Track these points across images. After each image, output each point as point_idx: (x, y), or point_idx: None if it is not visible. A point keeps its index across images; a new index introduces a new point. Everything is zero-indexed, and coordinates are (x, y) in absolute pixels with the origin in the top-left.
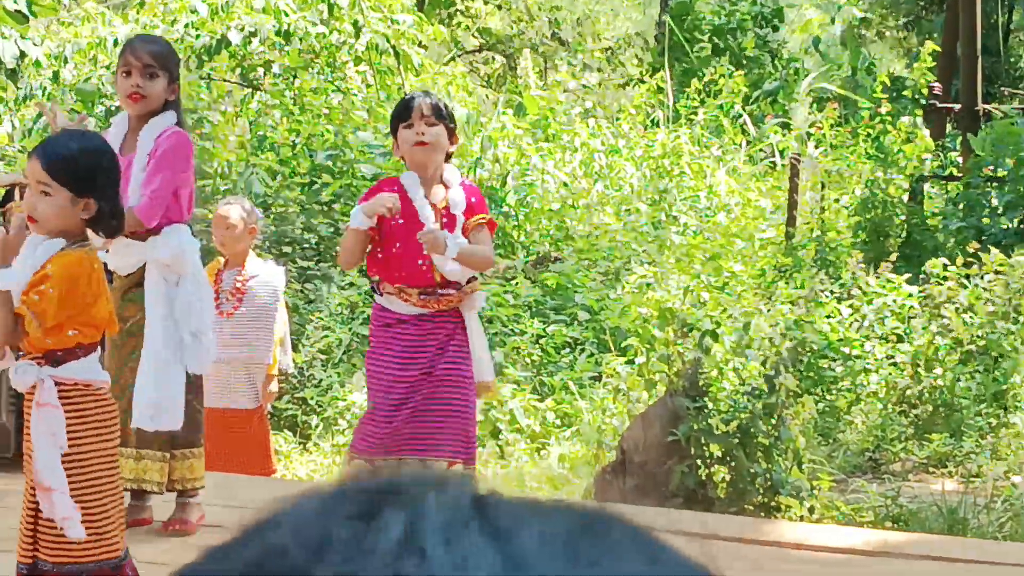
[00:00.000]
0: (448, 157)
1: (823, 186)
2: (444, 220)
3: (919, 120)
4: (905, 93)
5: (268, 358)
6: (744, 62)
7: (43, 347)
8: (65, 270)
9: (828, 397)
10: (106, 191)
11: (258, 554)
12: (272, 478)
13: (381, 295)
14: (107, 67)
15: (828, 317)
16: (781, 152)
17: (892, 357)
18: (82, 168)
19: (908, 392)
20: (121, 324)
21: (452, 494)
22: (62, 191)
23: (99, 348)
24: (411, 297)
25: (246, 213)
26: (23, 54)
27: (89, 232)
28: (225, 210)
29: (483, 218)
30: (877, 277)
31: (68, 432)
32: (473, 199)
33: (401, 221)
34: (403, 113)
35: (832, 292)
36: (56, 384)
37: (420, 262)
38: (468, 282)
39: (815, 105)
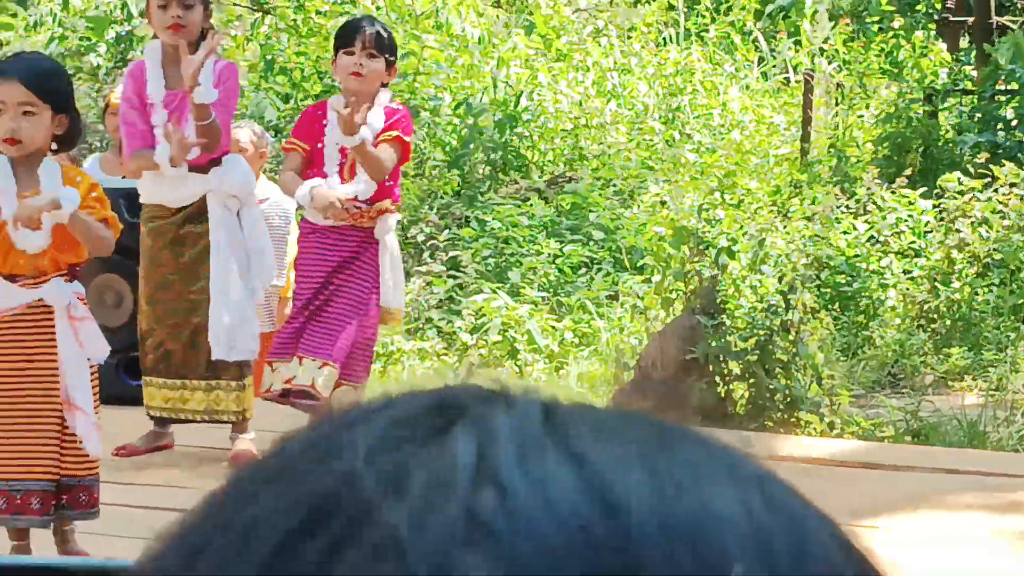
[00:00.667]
0: (384, 86)
1: (837, 102)
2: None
3: (933, 34)
4: (919, 7)
5: (282, 281)
6: None
7: (68, 262)
8: (89, 181)
9: (846, 313)
10: (75, 107)
11: (327, 483)
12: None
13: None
14: None
15: (844, 233)
16: (794, 68)
17: (909, 272)
18: (61, 84)
19: (926, 306)
20: (175, 258)
21: (521, 410)
22: (46, 108)
23: None
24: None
25: (256, 136)
26: None
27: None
28: (234, 134)
29: (391, 135)
30: (893, 192)
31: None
32: (392, 119)
33: (320, 146)
34: (346, 39)
35: (848, 208)
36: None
37: (329, 184)
38: (375, 201)
39: (828, 21)
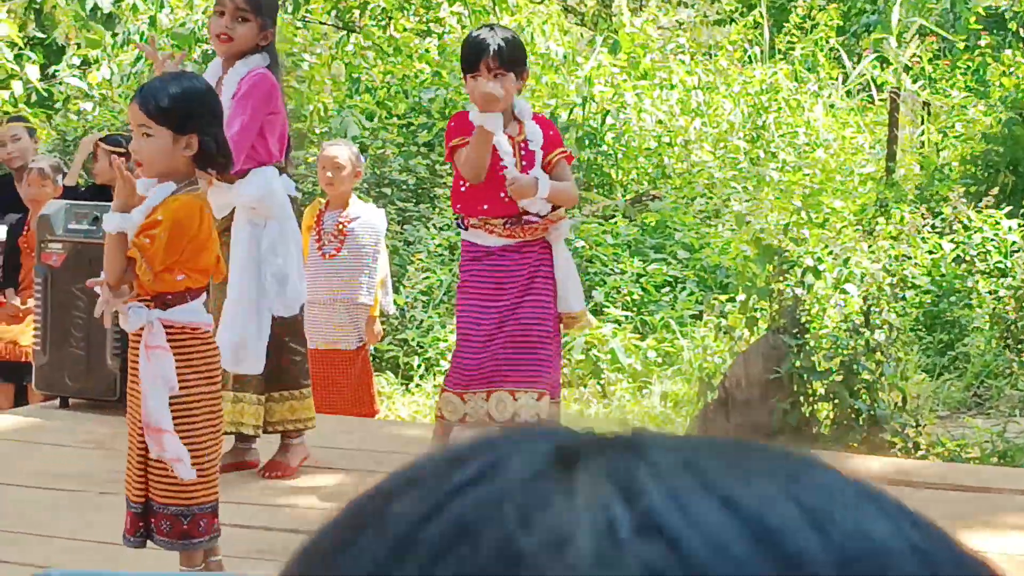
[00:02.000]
0: (519, 91)
1: (923, 121)
2: (523, 154)
3: (1022, 52)
4: (1010, 26)
5: (370, 299)
6: None
7: (153, 290)
8: (174, 214)
9: (931, 333)
10: (207, 127)
11: (469, 508)
12: (375, 419)
13: (466, 229)
14: (204, 11)
15: (930, 253)
16: (879, 87)
17: (995, 292)
18: (180, 105)
19: (1012, 327)
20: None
21: (659, 456)
22: (163, 131)
23: (205, 293)
24: (496, 228)
25: (354, 156)
26: None
27: (199, 172)
28: (333, 151)
29: (563, 151)
30: (979, 212)
31: (176, 374)
32: (551, 132)
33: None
34: (470, 65)
35: (934, 227)
36: (164, 327)
37: (502, 194)
38: (552, 210)
39: (913, 39)
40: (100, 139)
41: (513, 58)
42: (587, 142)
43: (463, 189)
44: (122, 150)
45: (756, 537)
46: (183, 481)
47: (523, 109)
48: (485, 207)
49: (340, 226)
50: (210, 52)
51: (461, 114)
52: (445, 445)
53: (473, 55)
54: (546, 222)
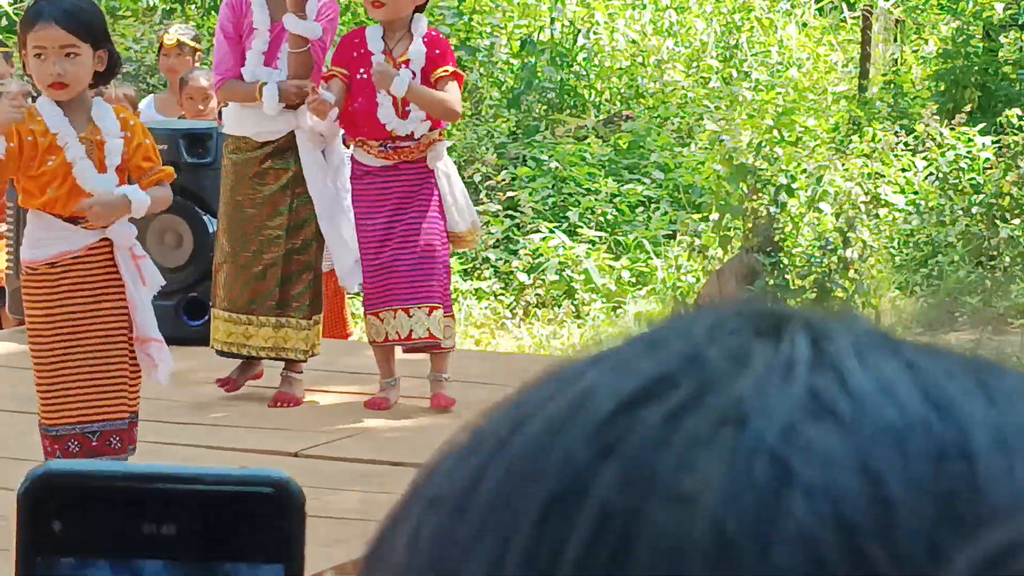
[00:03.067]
0: (420, 8)
1: (895, 38)
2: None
3: None
4: None
5: None
6: None
7: None
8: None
9: (904, 250)
10: (110, 40)
11: (665, 362)
12: (350, 340)
13: (350, 147)
14: None
15: (903, 171)
16: (851, 5)
17: (968, 209)
18: (98, 21)
19: (985, 243)
20: (254, 192)
21: (849, 319)
22: (86, 48)
23: None
24: (372, 149)
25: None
26: None
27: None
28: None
29: (446, 71)
30: (952, 129)
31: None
32: (437, 51)
33: (364, 76)
34: None
35: (907, 145)
36: None
37: (377, 116)
38: (430, 132)
39: None
40: None
41: None
42: (559, 62)
43: (351, 109)
44: None
45: (927, 396)
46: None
47: (418, 27)
48: (363, 129)
49: None
50: None
51: (348, 35)
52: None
53: None
54: (420, 144)
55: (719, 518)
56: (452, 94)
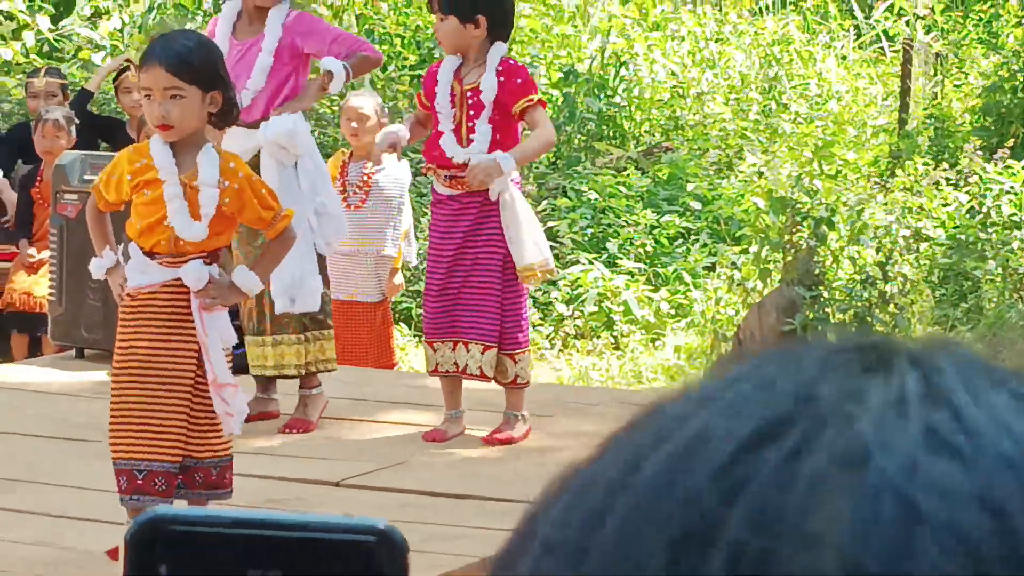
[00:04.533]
0: (500, 36)
1: (936, 72)
2: (470, 103)
3: None
4: None
5: (394, 251)
6: None
7: (211, 246)
8: (244, 169)
9: (945, 285)
10: (227, 82)
11: (779, 402)
12: (394, 371)
13: (427, 174)
14: None
15: (944, 205)
16: (891, 38)
17: (1008, 244)
18: (206, 62)
19: None
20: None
21: (956, 353)
22: (194, 90)
23: None
24: (440, 177)
25: (379, 106)
26: None
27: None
28: (358, 102)
29: (530, 100)
30: (995, 164)
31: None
32: (518, 80)
33: (434, 106)
34: (428, 4)
35: (948, 179)
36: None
37: (442, 144)
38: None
39: None
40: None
41: (453, 5)
42: (599, 94)
43: (427, 138)
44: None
45: None
46: (220, 432)
47: (492, 58)
48: (432, 155)
49: (365, 177)
50: (221, 2)
51: (432, 68)
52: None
53: None
54: None
55: (851, 557)
56: (543, 126)
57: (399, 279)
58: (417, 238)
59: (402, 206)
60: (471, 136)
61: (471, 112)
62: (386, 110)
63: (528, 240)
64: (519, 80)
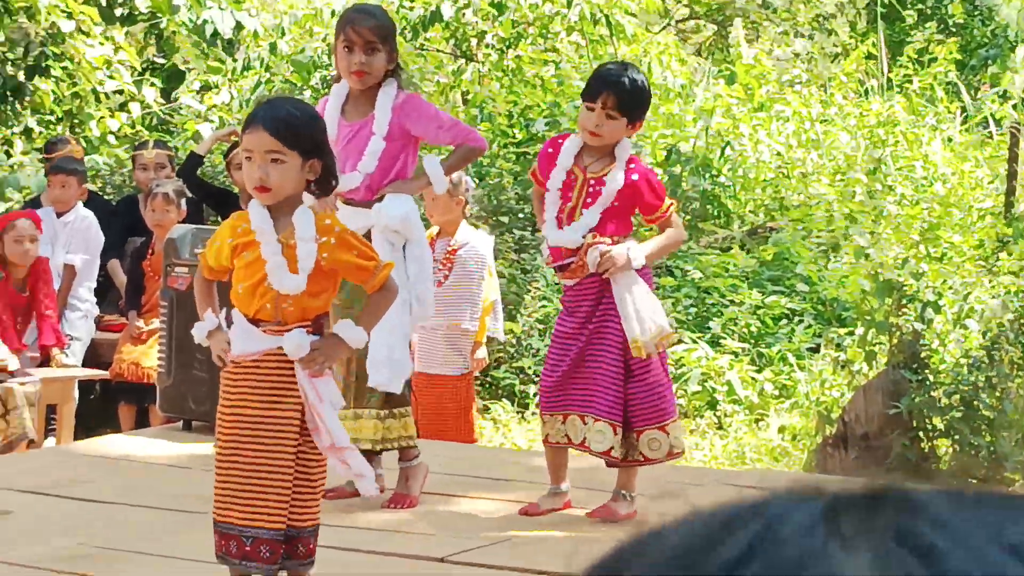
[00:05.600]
0: (628, 136)
1: None
2: (589, 190)
3: None
4: None
5: (474, 325)
6: (952, 28)
7: (313, 312)
8: (346, 231)
9: None
10: (328, 151)
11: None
12: (476, 445)
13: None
14: (323, 39)
15: None
16: (998, 122)
17: None
18: (308, 130)
19: None
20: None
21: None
22: (294, 155)
23: None
24: (555, 272)
25: (452, 185)
26: (240, 25)
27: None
28: None
29: (665, 208)
30: None
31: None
32: (656, 185)
33: (548, 184)
34: (589, 92)
35: None
36: None
37: (546, 233)
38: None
39: None
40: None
41: (632, 104)
42: (703, 173)
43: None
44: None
45: None
46: (316, 501)
47: (621, 152)
48: (546, 254)
49: (449, 253)
50: (328, 77)
51: (554, 139)
52: (687, 512)
53: (596, 85)
54: (582, 259)
55: None
56: (678, 227)
57: (482, 353)
58: (521, 314)
59: (482, 280)
60: (572, 220)
61: (588, 200)
62: (469, 183)
63: (632, 312)
64: (656, 185)
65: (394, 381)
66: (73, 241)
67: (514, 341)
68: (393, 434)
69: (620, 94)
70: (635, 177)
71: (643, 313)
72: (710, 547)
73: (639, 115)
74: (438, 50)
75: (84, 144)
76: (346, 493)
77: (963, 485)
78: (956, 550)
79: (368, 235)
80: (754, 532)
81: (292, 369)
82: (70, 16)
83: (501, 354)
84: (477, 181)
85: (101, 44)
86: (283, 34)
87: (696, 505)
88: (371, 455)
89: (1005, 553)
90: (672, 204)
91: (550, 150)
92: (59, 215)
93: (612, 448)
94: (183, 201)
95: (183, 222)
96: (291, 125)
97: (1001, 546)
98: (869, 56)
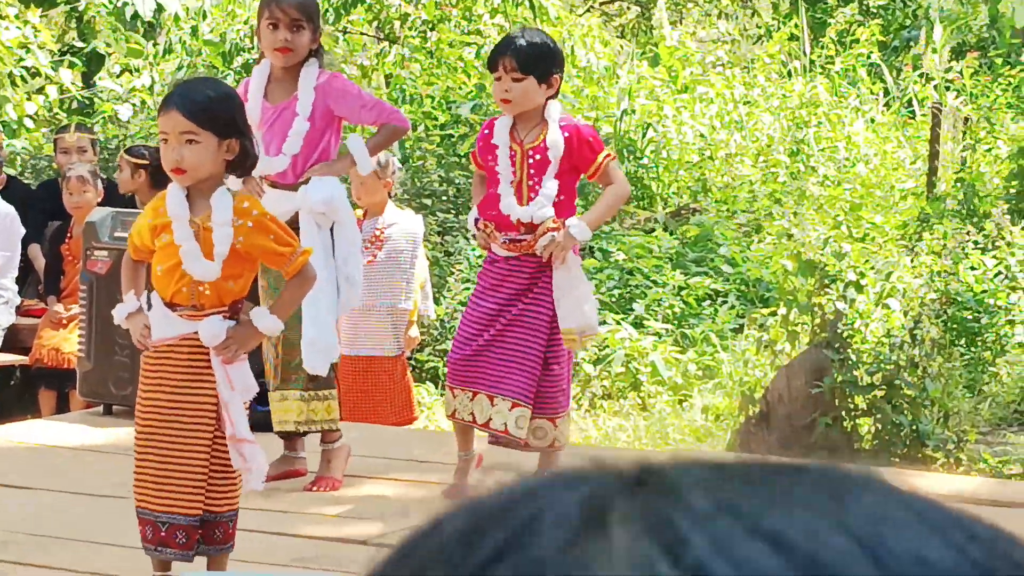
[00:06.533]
0: (554, 95)
1: (964, 136)
2: (531, 161)
3: None
4: None
5: (409, 304)
6: (874, 10)
7: (230, 298)
8: (256, 206)
9: (973, 349)
10: (245, 131)
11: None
12: (414, 428)
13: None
14: (244, 21)
15: (972, 268)
16: (920, 102)
17: None
18: (223, 109)
19: None
20: (265, 273)
21: (684, 491)
22: (208, 135)
23: None
24: (498, 239)
25: (379, 167)
26: (160, 7)
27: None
28: None
29: (608, 155)
30: (1022, 228)
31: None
32: (591, 139)
33: (492, 165)
34: (491, 64)
35: (976, 243)
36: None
37: (503, 206)
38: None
39: (953, 54)
40: (124, 150)
41: (534, 61)
42: (627, 155)
43: (485, 198)
44: (144, 161)
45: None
46: (235, 486)
47: (552, 114)
48: (493, 213)
49: (377, 233)
50: (251, 62)
51: (490, 121)
52: (464, 500)
53: (495, 54)
54: (535, 237)
55: None
56: (618, 181)
57: (415, 332)
58: (444, 297)
59: (415, 259)
60: (532, 195)
61: (532, 171)
62: (395, 164)
63: (574, 304)
64: (590, 138)
65: (318, 362)
66: None
67: (438, 324)
68: (317, 416)
69: (517, 54)
70: (566, 135)
71: (585, 307)
72: (471, 543)
73: (546, 71)
74: (361, 33)
75: (1, 128)
76: (271, 476)
77: (816, 459)
78: (703, 542)
79: (296, 218)
80: (513, 526)
81: (207, 354)
82: None
83: (425, 336)
84: (400, 164)
85: (19, 28)
86: (204, 17)
87: (481, 490)
88: (295, 436)
89: (760, 541)
90: (609, 155)
91: (487, 131)
92: None
93: (512, 428)
94: (99, 182)
95: (103, 204)
96: (205, 106)
97: (757, 534)
98: (792, 38)
